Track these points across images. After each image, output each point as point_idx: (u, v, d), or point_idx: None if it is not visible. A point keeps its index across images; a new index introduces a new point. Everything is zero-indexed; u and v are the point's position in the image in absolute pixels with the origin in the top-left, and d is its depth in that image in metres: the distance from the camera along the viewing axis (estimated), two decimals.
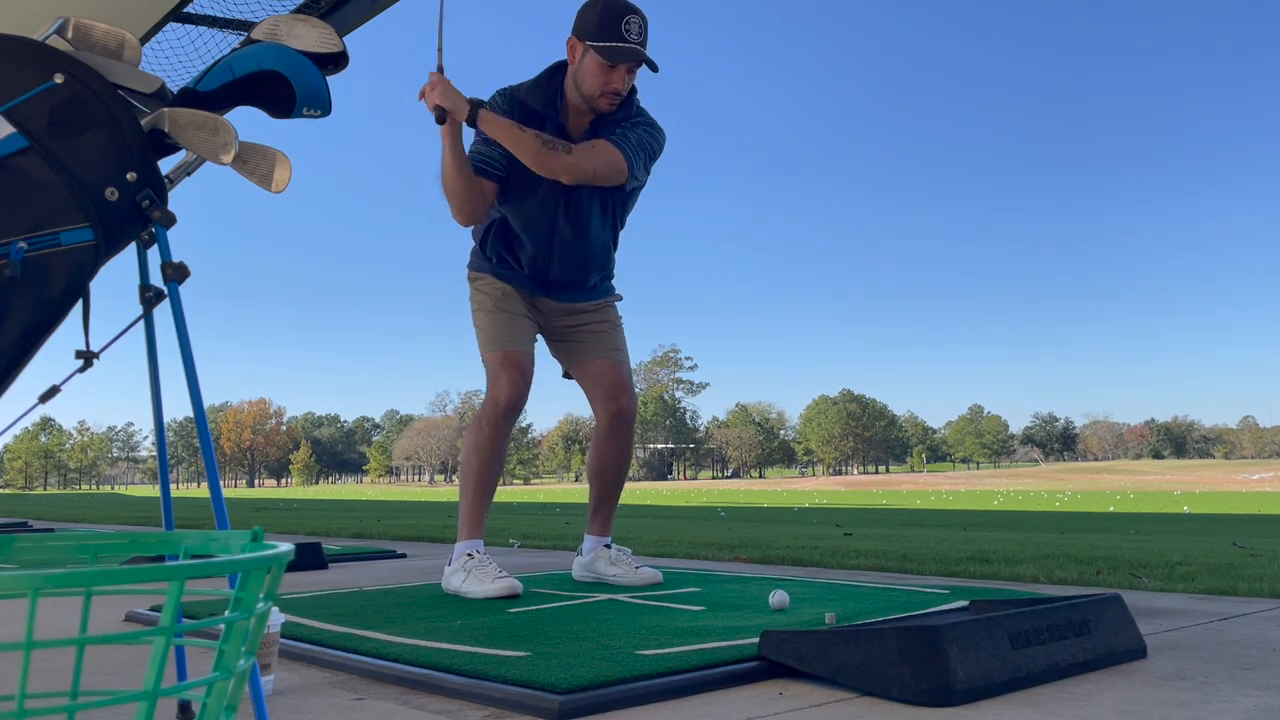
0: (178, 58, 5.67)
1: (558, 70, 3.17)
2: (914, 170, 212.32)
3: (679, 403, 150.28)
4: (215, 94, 1.51)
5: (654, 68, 3.09)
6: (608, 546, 3.39)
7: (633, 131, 3.14)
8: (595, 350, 3.36)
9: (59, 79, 1.35)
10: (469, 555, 3.06)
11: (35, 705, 0.91)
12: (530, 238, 3.22)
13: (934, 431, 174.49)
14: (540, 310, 3.34)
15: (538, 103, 3.12)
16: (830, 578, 3.55)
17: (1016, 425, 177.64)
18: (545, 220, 3.20)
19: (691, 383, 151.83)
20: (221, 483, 1.36)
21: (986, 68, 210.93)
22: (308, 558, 4.24)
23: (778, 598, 2.66)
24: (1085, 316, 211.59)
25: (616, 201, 3.27)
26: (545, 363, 3.39)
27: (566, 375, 3.48)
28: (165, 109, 1.45)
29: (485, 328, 3.24)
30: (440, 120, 3.00)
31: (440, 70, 3.02)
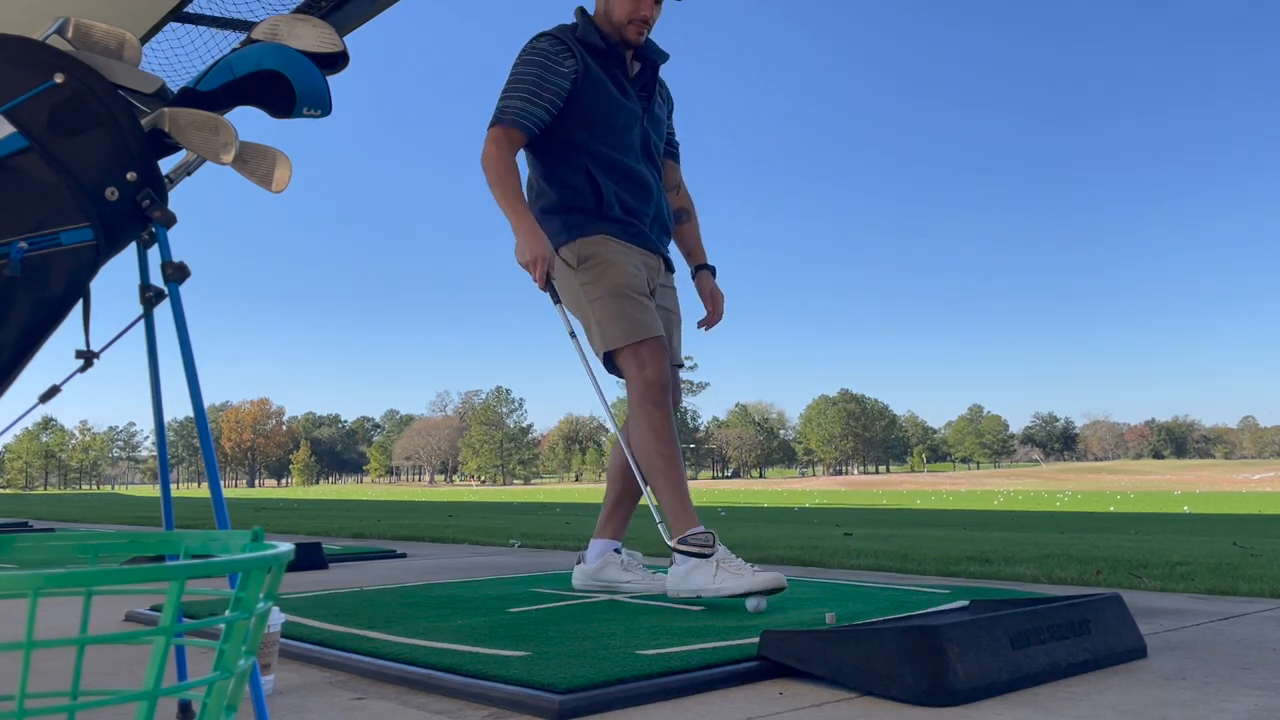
0: (178, 58, 5.67)
1: (585, 13, 3.11)
2: (914, 170, 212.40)
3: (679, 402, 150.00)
4: (215, 94, 1.51)
5: None
6: (617, 551, 3.15)
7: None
8: (671, 329, 3.15)
9: (59, 79, 1.35)
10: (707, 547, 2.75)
11: (35, 705, 0.91)
12: (631, 164, 3.06)
13: (934, 431, 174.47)
14: (654, 277, 3.10)
15: (597, 40, 3.05)
16: (830, 578, 3.55)
17: (1016, 425, 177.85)
18: (634, 133, 3.10)
19: (691, 383, 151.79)
20: (222, 483, 1.36)
21: (986, 67, 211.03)
22: (308, 558, 4.24)
23: (753, 600, 2.59)
24: (1085, 316, 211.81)
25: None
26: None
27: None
28: (165, 109, 1.45)
29: (615, 316, 2.90)
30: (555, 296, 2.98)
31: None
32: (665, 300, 3.17)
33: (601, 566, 3.13)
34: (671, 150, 3.35)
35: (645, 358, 2.88)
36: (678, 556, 2.77)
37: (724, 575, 2.63)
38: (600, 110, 3.02)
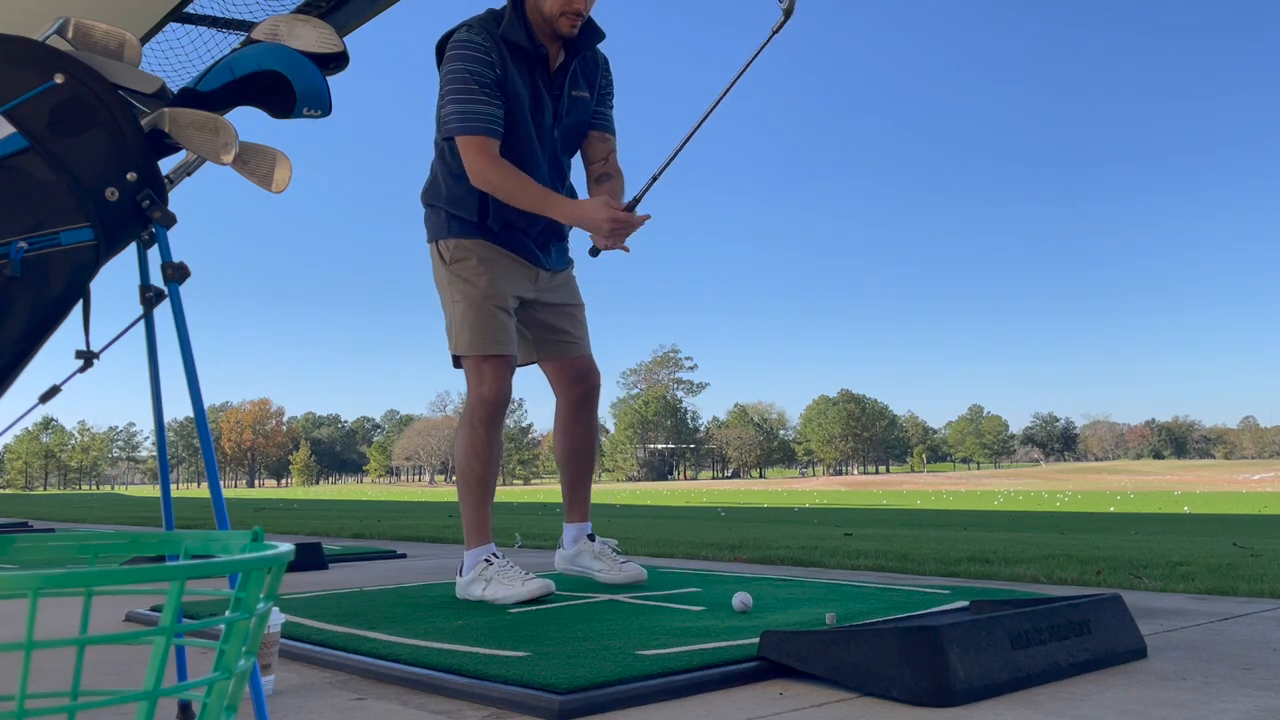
0: (178, 58, 5.68)
1: (513, 4, 3.03)
2: (913, 168, 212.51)
3: (679, 402, 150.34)
4: (215, 94, 1.51)
5: None
6: (591, 538, 3.30)
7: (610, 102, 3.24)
8: (570, 323, 3.24)
9: (59, 79, 1.35)
10: (486, 561, 2.95)
11: (35, 705, 0.91)
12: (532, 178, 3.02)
13: (934, 431, 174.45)
14: (533, 285, 3.14)
15: (521, 38, 2.97)
16: (830, 578, 3.55)
17: (1016, 425, 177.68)
18: (541, 152, 3.07)
19: (691, 383, 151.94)
20: (221, 483, 1.36)
21: (985, 64, 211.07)
22: (308, 558, 4.24)
23: (740, 599, 2.60)
24: (1085, 316, 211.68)
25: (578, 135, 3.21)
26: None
27: (529, 362, 3.27)
28: (165, 109, 1.46)
29: (470, 324, 3.00)
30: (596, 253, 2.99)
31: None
32: (559, 296, 3.23)
33: (577, 553, 3.33)
34: (600, 121, 3.25)
35: (486, 373, 3.00)
36: (464, 565, 3.02)
37: (494, 586, 2.88)
38: (508, 124, 2.99)
